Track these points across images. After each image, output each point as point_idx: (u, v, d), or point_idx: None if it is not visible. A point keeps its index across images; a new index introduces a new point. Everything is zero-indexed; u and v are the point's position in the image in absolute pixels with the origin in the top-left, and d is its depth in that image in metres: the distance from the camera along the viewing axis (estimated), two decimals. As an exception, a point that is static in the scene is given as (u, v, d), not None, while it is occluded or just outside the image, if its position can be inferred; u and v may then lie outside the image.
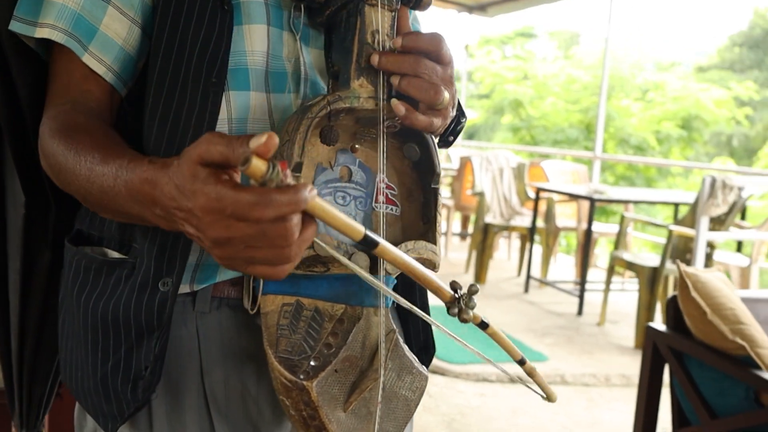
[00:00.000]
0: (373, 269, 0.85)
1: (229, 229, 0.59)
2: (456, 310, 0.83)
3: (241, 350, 0.90)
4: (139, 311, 0.84)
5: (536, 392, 0.96)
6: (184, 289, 0.88)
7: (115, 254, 0.90)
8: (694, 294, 2.02)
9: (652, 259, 4.67)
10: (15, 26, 0.84)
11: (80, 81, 0.85)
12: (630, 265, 4.61)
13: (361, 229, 0.65)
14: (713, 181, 4.20)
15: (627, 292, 5.88)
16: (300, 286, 0.84)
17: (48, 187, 0.94)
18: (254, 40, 0.86)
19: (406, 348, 0.88)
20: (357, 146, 0.90)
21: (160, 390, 0.88)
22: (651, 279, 4.45)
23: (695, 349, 2.09)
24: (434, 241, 0.89)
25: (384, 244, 0.69)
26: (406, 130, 0.87)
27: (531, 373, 0.92)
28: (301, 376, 0.79)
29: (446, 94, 0.82)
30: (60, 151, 0.78)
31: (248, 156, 0.56)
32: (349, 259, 0.83)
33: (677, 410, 2.22)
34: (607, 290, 4.85)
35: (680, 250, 4.57)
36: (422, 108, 0.83)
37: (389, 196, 0.91)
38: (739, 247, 5.33)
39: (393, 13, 0.85)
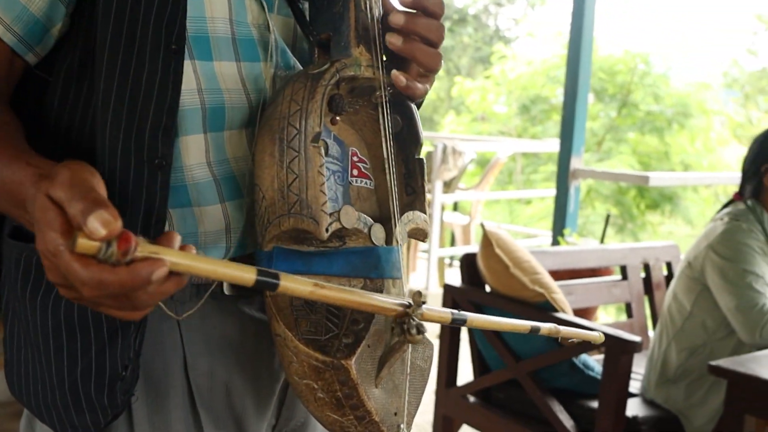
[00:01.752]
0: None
1: (67, 283, 0.57)
2: (398, 330, 0.73)
3: (225, 339, 0.83)
4: None
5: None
6: None
7: None
8: (497, 250, 2.20)
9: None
10: None
11: None
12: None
13: (251, 276, 0.57)
14: (444, 147, 4.57)
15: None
16: (312, 264, 0.78)
17: None
18: (214, 5, 0.78)
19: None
20: (338, 118, 0.84)
21: (140, 391, 0.79)
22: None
23: (495, 300, 2.29)
24: (423, 211, 0.88)
25: (286, 281, 0.60)
26: (390, 100, 0.84)
27: (565, 336, 0.92)
28: (338, 355, 0.74)
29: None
30: None
31: (75, 235, 0.53)
32: (368, 232, 0.80)
33: (477, 359, 2.41)
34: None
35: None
36: (415, 74, 0.81)
37: (362, 170, 0.88)
38: (455, 206, 5.89)
39: None
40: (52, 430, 0.81)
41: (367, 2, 0.80)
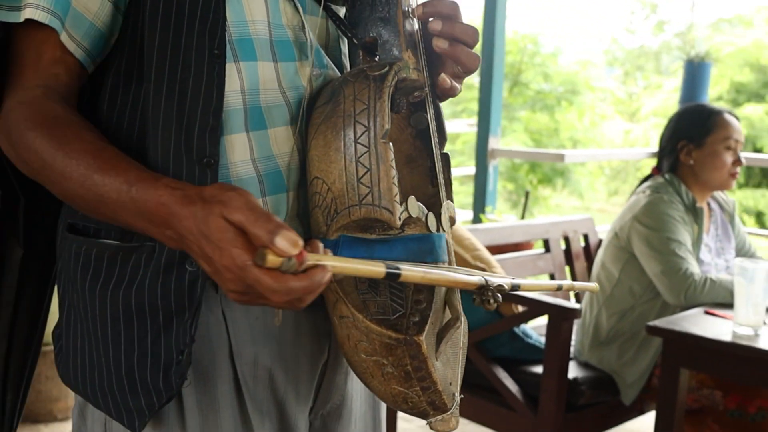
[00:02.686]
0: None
1: (246, 290, 0.65)
2: (479, 300, 0.88)
3: (267, 329, 0.88)
4: (167, 293, 0.79)
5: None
6: None
7: (114, 242, 0.83)
8: (442, 228, 2.29)
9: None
10: (1, 15, 0.80)
11: (49, 64, 0.81)
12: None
13: (380, 269, 0.70)
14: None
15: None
16: (374, 250, 0.83)
17: (13, 178, 0.83)
18: (253, 9, 0.83)
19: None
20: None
21: (190, 378, 0.83)
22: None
23: (437, 277, 2.38)
24: (452, 200, 0.95)
25: (405, 271, 0.74)
26: (420, 101, 0.92)
27: (571, 288, 1.03)
28: (410, 332, 0.80)
29: None
30: (44, 148, 0.76)
31: (264, 253, 0.62)
32: (426, 221, 0.86)
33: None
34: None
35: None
36: (452, 74, 0.89)
37: None
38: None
39: None
40: (106, 415, 0.84)
41: (410, 9, 0.87)
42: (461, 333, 0.90)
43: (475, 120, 4.07)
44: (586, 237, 3.09)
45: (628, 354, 2.28)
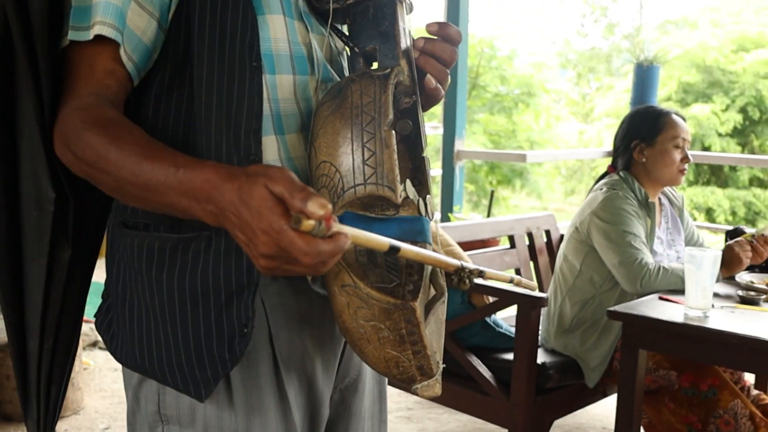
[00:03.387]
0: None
1: (278, 253, 0.73)
2: (456, 280, 1.00)
3: (299, 313, 1.00)
4: (229, 275, 0.91)
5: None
6: None
7: (174, 235, 0.93)
8: (416, 227, 2.44)
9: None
10: (72, 35, 0.89)
11: (102, 75, 0.90)
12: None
13: (386, 242, 0.81)
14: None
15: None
16: (373, 227, 0.94)
17: (65, 181, 0.92)
18: (276, 28, 0.95)
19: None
20: None
21: None
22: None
23: (412, 273, 2.53)
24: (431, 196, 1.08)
25: (404, 247, 0.84)
26: (406, 108, 1.03)
27: (519, 283, 1.17)
28: (408, 297, 0.91)
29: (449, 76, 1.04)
30: (99, 142, 0.83)
31: (299, 217, 0.71)
32: (418, 204, 0.98)
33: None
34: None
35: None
36: (436, 78, 1.02)
37: None
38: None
39: (408, 10, 1.05)
40: (173, 388, 0.94)
41: (405, 27, 1.00)
42: (444, 308, 1.03)
43: (439, 123, 4.23)
44: (548, 233, 3.26)
45: (590, 340, 2.45)
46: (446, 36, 1.00)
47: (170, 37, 0.93)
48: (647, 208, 2.47)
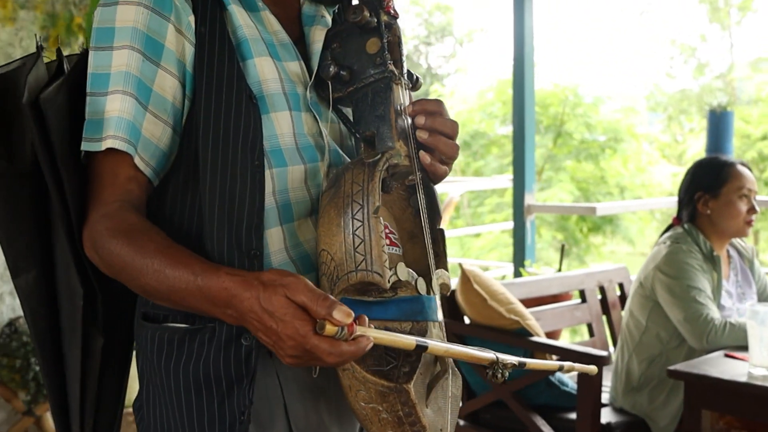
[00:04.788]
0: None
1: (304, 355, 0.82)
2: (491, 374, 1.01)
3: (315, 386, 1.04)
4: (228, 365, 0.96)
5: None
6: None
7: (182, 326, 1.00)
8: (476, 286, 2.47)
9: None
10: (85, 146, 0.97)
11: (124, 181, 0.98)
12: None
13: (411, 341, 0.86)
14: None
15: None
16: (372, 311, 0.97)
17: (93, 278, 1.00)
18: (281, 125, 1.02)
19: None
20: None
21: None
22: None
23: (474, 330, 2.55)
24: (447, 269, 1.10)
25: (432, 344, 0.89)
26: (419, 183, 1.06)
27: (571, 369, 1.15)
28: (400, 381, 0.94)
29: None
30: (124, 252, 0.92)
31: (323, 323, 0.80)
32: (415, 284, 1.00)
33: (463, 385, 2.67)
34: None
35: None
36: (437, 159, 1.05)
37: (392, 240, 1.07)
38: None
39: (408, 90, 1.09)
40: None
41: (402, 107, 1.04)
42: (449, 384, 1.02)
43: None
44: (621, 286, 3.21)
45: (659, 398, 2.39)
46: (442, 111, 1.04)
47: (183, 140, 1.01)
48: (713, 261, 2.41)
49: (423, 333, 1.02)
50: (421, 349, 0.87)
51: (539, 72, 12.53)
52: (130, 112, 0.96)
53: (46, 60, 1.02)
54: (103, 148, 0.96)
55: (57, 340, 1.03)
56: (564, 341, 3.03)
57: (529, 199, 3.74)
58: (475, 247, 10.45)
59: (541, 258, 8.63)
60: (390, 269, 0.95)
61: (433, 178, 1.07)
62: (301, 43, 1.09)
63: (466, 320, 2.62)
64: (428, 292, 1.03)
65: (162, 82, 0.98)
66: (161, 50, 0.98)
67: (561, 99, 11.12)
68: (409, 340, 0.85)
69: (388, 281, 0.94)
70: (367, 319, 0.85)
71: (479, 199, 11.02)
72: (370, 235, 0.94)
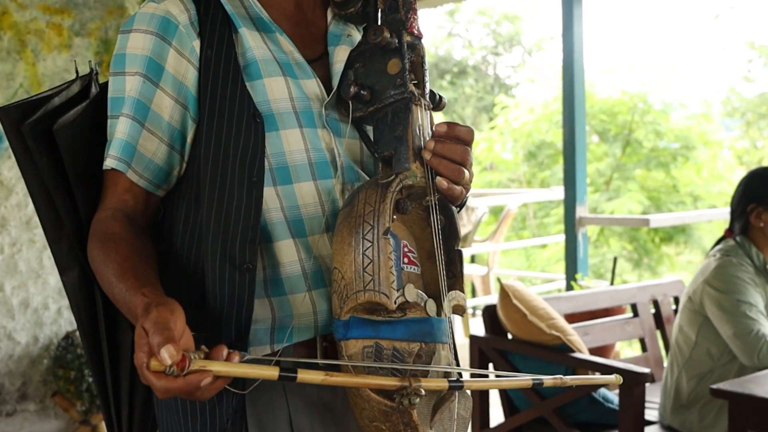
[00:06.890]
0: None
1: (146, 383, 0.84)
2: (398, 399, 0.93)
3: (321, 401, 1.06)
4: None
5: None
6: (265, 350, 1.02)
7: None
8: (515, 301, 2.43)
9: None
10: (104, 165, 1.07)
11: (121, 192, 1.06)
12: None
13: (275, 373, 0.84)
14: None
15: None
16: (380, 330, 0.98)
17: None
18: (290, 142, 1.04)
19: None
20: (394, 217, 1.07)
21: None
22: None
23: (516, 346, 2.51)
24: (462, 290, 1.09)
25: (301, 376, 0.86)
26: (436, 203, 1.05)
27: (587, 381, 1.14)
28: (403, 401, 0.92)
29: (467, 173, 1.03)
30: (95, 254, 1.01)
31: (150, 360, 0.80)
32: (424, 306, 1.00)
33: (506, 401, 2.62)
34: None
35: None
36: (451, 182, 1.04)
37: (411, 258, 1.07)
38: (472, 258, 6.10)
39: (429, 111, 1.08)
40: None
41: (420, 129, 1.04)
42: (455, 406, 1.02)
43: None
44: (676, 299, 3.10)
45: (709, 416, 2.30)
46: (456, 137, 1.03)
47: (189, 160, 1.07)
48: (765, 274, 2.31)
49: (431, 354, 1.02)
50: (288, 379, 0.86)
51: (606, 80, 12.26)
52: (127, 132, 1.04)
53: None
54: (105, 167, 1.06)
55: (97, 333, 1.12)
56: (605, 358, 2.93)
57: (580, 212, 3.66)
58: (541, 258, 10.27)
59: (608, 270, 8.41)
60: (397, 290, 0.96)
61: (450, 200, 1.05)
62: (324, 62, 1.11)
63: (509, 335, 2.58)
64: (439, 314, 1.02)
65: (160, 101, 1.04)
66: (161, 72, 1.04)
67: (629, 107, 10.86)
68: (269, 372, 0.84)
69: (395, 302, 0.95)
70: (225, 350, 0.84)
71: (545, 209, 10.84)
72: (378, 255, 0.95)
